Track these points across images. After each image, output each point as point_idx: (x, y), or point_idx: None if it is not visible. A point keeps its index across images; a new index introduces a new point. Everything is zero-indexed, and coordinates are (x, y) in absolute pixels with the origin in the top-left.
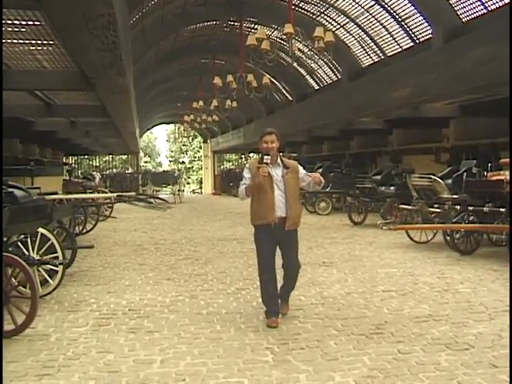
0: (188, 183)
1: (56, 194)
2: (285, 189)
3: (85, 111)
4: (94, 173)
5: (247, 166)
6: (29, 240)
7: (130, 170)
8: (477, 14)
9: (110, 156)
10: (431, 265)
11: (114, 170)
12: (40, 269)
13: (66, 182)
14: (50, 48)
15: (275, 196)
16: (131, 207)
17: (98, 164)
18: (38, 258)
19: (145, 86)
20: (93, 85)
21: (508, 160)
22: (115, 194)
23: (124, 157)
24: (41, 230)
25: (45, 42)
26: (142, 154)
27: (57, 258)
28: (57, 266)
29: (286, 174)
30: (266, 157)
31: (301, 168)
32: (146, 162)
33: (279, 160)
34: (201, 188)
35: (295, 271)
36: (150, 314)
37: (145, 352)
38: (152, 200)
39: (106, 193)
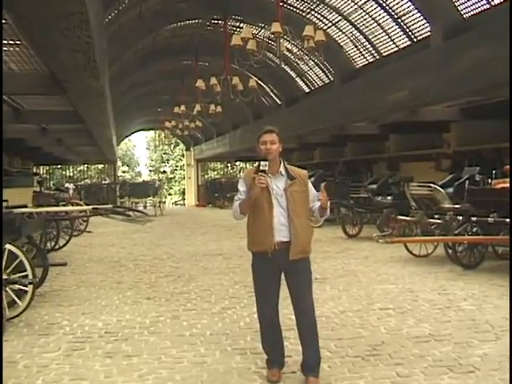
0: (170, 194)
1: (25, 207)
2: (287, 205)
3: (56, 117)
4: (68, 184)
5: (242, 176)
6: None
7: (107, 181)
8: (479, 9)
9: (85, 165)
10: (432, 280)
11: (90, 181)
12: (7, 289)
13: (37, 194)
14: (18, 49)
15: (274, 215)
16: (108, 221)
17: (71, 174)
18: (6, 277)
19: (122, 90)
20: (65, 88)
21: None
22: (90, 207)
23: (100, 166)
24: (8, 246)
25: (11, 42)
26: (119, 163)
27: (26, 276)
28: (26, 286)
29: (290, 186)
30: (262, 163)
31: (310, 184)
32: (124, 172)
33: (282, 168)
34: (183, 199)
35: (309, 320)
36: (129, 337)
37: (122, 378)
38: (131, 213)
39: (81, 205)
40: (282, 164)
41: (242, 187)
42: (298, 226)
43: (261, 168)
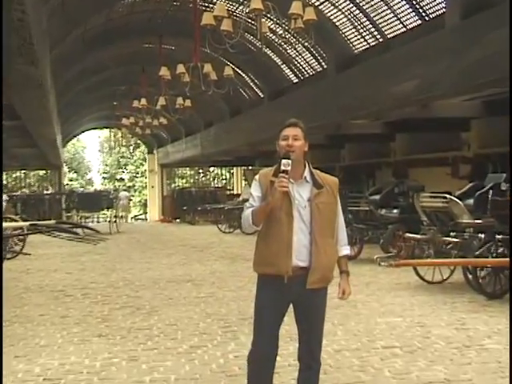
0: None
1: None
2: (311, 220)
3: None
4: None
5: (256, 178)
6: None
7: (50, 190)
8: None
9: (22, 171)
10: (448, 312)
11: (28, 191)
12: None
13: None
14: None
15: (294, 231)
16: (51, 240)
17: (4, 182)
18: None
19: (68, 79)
20: None
21: None
22: (28, 223)
23: (41, 173)
24: None
25: None
26: (65, 169)
27: None
28: None
29: (317, 197)
30: (284, 161)
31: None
32: (71, 180)
33: (307, 172)
34: (145, 213)
35: (316, 368)
36: None
37: None
38: (79, 230)
39: (16, 221)
40: (308, 167)
41: (256, 192)
42: (321, 248)
43: (282, 168)
